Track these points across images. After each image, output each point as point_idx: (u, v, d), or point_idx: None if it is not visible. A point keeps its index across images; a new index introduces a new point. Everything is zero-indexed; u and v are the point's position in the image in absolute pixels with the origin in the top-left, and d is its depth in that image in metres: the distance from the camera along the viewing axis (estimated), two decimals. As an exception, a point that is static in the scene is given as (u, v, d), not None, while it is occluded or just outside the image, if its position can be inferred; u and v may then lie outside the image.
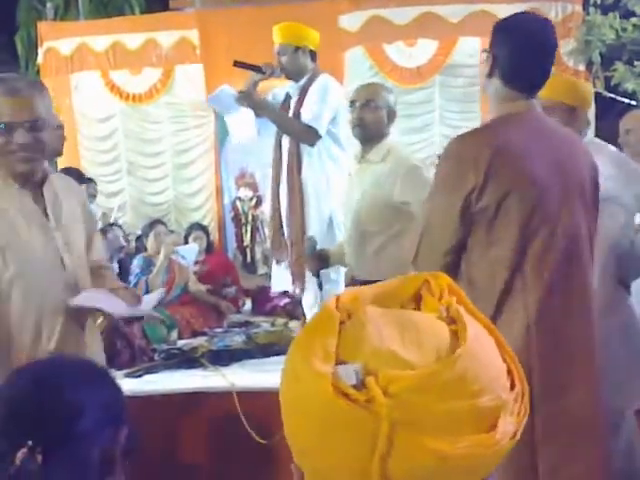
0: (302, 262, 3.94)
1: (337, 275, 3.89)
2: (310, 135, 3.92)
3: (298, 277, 4.10)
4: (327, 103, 3.94)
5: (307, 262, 3.55)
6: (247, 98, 4.01)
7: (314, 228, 3.96)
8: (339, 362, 0.77)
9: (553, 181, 2.14)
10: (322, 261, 3.49)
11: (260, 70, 4.04)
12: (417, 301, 0.88)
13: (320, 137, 3.92)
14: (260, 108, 4.06)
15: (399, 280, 0.89)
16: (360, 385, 0.76)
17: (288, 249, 4.14)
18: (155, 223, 5.66)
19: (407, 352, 0.77)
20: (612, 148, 3.08)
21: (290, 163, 4.05)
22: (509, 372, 0.83)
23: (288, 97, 4.18)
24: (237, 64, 4.11)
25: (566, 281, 2.16)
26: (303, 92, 4.04)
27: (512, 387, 0.82)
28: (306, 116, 3.95)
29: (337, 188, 4.00)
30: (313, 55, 4.12)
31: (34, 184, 2.39)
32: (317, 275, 3.48)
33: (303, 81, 4.07)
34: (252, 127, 4.22)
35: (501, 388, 0.80)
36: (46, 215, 2.38)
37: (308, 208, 4.04)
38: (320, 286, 3.48)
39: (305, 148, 4.02)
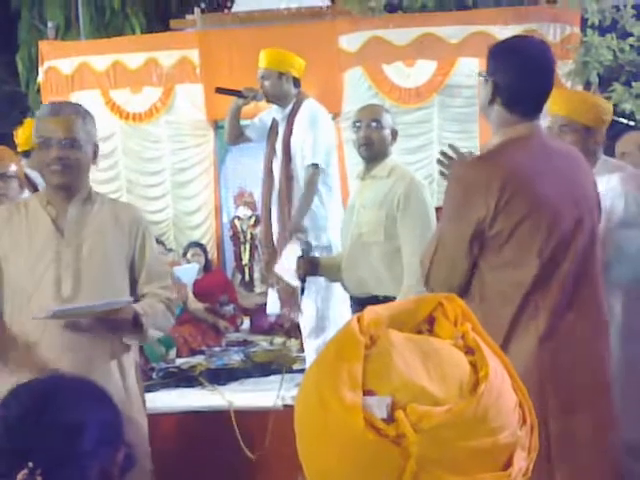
0: (291, 288, 3.95)
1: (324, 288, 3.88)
2: (315, 177, 3.96)
3: (288, 301, 4.09)
4: (319, 133, 3.98)
5: (297, 265, 3.50)
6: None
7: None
8: (366, 391, 0.78)
9: (564, 203, 2.15)
10: (311, 266, 3.44)
11: (242, 95, 4.07)
12: (431, 323, 0.88)
13: (322, 169, 3.97)
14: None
15: (414, 301, 0.90)
16: (389, 419, 0.76)
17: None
18: None
19: (433, 386, 0.77)
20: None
21: (281, 190, 4.06)
22: (520, 405, 0.84)
23: (275, 122, 4.20)
24: (219, 90, 4.15)
25: (576, 300, 2.17)
26: (290, 120, 4.07)
27: (524, 421, 0.83)
28: (305, 154, 3.97)
29: (334, 215, 4.03)
30: (297, 82, 4.14)
31: (64, 200, 2.54)
32: (303, 280, 3.44)
33: (289, 108, 4.09)
34: None
35: (516, 423, 0.82)
36: (62, 231, 2.51)
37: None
38: (302, 291, 3.44)
39: (297, 177, 4.04)
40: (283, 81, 4.09)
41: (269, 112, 4.30)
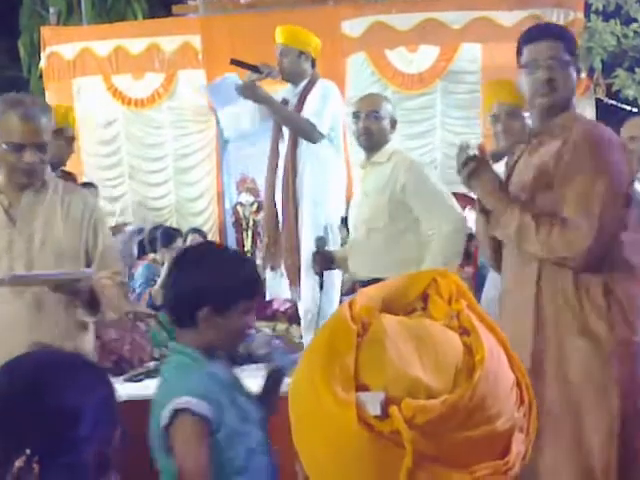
0: (295, 268, 3.95)
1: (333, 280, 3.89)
2: (314, 131, 3.88)
3: (293, 283, 4.09)
4: (328, 104, 3.91)
5: (312, 261, 3.56)
6: (250, 90, 3.94)
7: (308, 235, 3.93)
8: (359, 385, 0.76)
9: None
10: (327, 261, 3.52)
11: (257, 70, 4.02)
12: (425, 300, 0.86)
13: (323, 136, 3.88)
14: (263, 101, 3.98)
15: (407, 279, 0.88)
16: (383, 415, 0.74)
17: (282, 255, 4.12)
18: (174, 237, 5.53)
19: (427, 376, 0.76)
20: None
21: (286, 169, 4.02)
22: (518, 384, 0.82)
23: (285, 102, 4.15)
24: (234, 62, 4.09)
25: None
26: (302, 97, 4.01)
27: (521, 401, 0.82)
28: (307, 114, 3.91)
29: (336, 196, 4.00)
30: (313, 63, 4.09)
31: (16, 190, 2.54)
32: (320, 275, 3.50)
33: (301, 86, 4.03)
34: (249, 120, 4.18)
35: (513, 405, 0.80)
36: (14, 220, 2.52)
37: (302, 215, 4.02)
38: (321, 286, 3.51)
39: (302, 155, 3.99)
40: (302, 60, 4.01)
41: (278, 94, 4.26)
